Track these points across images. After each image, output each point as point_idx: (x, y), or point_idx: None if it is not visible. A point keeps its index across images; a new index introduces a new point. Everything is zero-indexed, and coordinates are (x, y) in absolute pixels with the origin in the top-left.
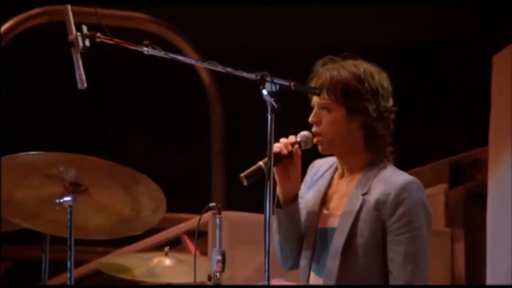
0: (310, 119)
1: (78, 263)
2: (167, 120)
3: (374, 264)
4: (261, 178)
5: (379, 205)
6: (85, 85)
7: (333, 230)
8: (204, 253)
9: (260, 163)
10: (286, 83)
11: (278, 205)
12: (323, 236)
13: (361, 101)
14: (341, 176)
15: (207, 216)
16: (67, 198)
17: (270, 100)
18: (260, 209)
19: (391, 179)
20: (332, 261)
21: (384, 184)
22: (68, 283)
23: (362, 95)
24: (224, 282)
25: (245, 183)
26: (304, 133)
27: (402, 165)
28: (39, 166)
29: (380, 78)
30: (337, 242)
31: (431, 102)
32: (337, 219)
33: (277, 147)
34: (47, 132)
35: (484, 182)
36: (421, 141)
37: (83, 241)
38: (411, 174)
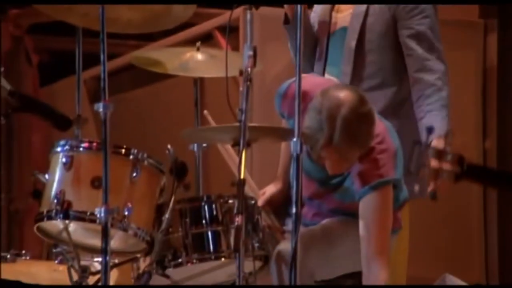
0: None
1: (110, 56)
2: None
3: (387, 60)
4: None
5: None
6: None
7: (344, 29)
8: (236, 48)
9: None
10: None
11: (286, 21)
12: (335, 38)
13: None
14: None
15: (238, 11)
16: None
17: None
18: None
19: None
20: (346, 60)
21: None
22: (101, 76)
23: None
24: (254, 77)
25: None
26: None
27: None
28: None
29: None
30: (350, 40)
31: None
32: (348, 18)
33: None
34: None
35: None
36: None
37: (116, 34)
38: None
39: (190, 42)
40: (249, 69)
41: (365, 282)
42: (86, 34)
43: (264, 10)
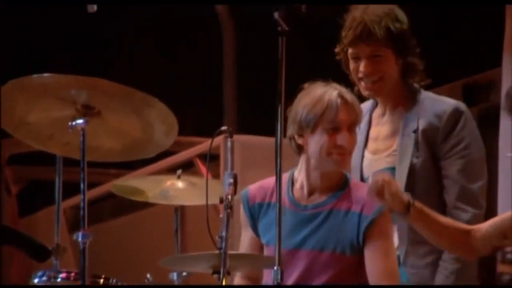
0: (364, 70)
1: (91, 185)
2: (179, 44)
3: (433, 194)
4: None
5: (432, 131)
6: (95, 8)
7: (390, 169)
8: (216, 176)
9: None
10: (298, 5)
11: None
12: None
13: (404, 40)
14: (383, 114)
15: (219, 139)
16: (80, 121)
17: (281, 23)
18: (271, 133)
19: (436, 105)
20: None
21: (432, 111)
22: (81, 205)
23: (403, 33)
24: (235, 205)
25: None
26: None
27: None
28: (52, 88)
29: (403, 15)
30: (398, 182)
31: (444, 24)
32: (389, 158)
33: None
34: (61, 55)
35: (497, 103)
36: (434, 63)
37: (96, 163)
38: None
39: (171, 170)
40: (229, 196)
41: None
42: (67, 163)
43: (245, 138)
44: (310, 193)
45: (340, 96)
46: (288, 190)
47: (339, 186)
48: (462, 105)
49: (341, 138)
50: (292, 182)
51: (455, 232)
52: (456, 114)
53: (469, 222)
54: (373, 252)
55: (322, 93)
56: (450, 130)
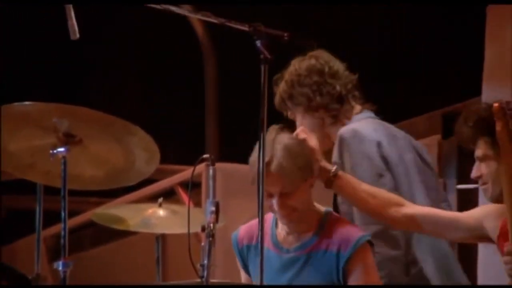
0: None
1: (72, 214)
2: (160, 72)
3: None
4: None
5: None
6: (78, 35)
7: None
8: (198, 204)
9: None
10: (280, 34)
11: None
12: None
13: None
14: None
15: (200, 167)
16: (61, 149)
17: (263, 51)
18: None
19: None
20: None
21: None
22: (62, 234)
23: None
24: (217, 233)
25: None
26: None
27: (397, 117)
28: (33, 116)
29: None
30: None
31: (423, 53)
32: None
33: None
34: (41, 84)
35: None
36: (414, 92)
37: (77, 192)
38: (404, 125)
39: (152, 198)
40: (211, 224)
41: None
42: (47, 191)
43: (227, 166)
44: (291, 235)
45: (268, 165)
46: (272, 232)
47: (317, 226)
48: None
49: (274, 204)
50: (276, 223)
51: (378, 203)
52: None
53: None
54: (356, 282)
55: (256, 157)
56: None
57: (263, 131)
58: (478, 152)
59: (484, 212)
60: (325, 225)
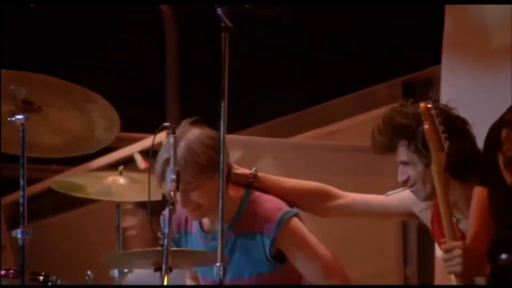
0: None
1: (31, 181)
2: (121, 39)
3: None
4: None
5: None
6: None
7: None
8: None
9: None
10: (240, 3)
11: None
12: None
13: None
14: None
15: (161, 135)
16: (19, 117)
17: (224, 19)
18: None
19: None
20: None
21: None
22: (21, 201)
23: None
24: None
25: None
26: None
27: (357, 85)
28: None
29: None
30: None
31: (384, 20)
32: None
33: None
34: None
35: (436, 100)
36: (374, 60)
37: (37, 159)
38: (365, 94)
39: (112, 167)
40: (172, 193)
41: None
42: (5, 159)
43: None
44: (212, 221)
45: (169, 161)
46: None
47: (236, 209)
48: None
49: (178, 200)
50: None
51: (308, 198)
52: None
53: None
54: (298, 261)
55: (161, 155)
56: None
57: (224, 100)
58: (401, 157)
59: (413, 199)
60: (245, 205)
